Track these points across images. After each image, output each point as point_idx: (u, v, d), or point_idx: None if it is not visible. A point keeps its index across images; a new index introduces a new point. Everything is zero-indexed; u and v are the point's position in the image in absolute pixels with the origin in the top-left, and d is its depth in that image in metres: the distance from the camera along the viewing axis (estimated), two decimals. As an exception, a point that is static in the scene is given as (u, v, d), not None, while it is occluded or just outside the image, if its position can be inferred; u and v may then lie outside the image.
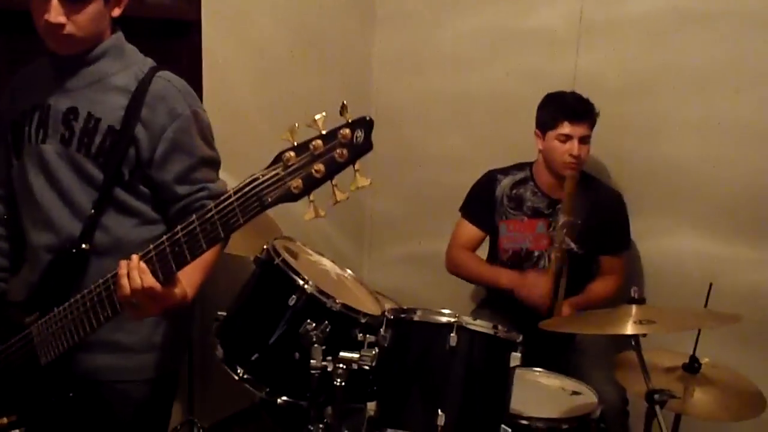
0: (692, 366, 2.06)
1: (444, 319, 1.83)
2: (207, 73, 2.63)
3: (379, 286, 2.55)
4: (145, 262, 1.33)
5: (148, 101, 1.55)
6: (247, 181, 1.20)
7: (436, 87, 3.27)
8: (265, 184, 1.19)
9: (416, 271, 3.42)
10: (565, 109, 2.53)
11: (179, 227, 1.28)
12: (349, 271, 2.42)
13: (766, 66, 2.47)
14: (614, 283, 2.66)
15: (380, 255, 3.61)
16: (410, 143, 3.38)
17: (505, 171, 2.75)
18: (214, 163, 1.68)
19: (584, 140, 2.52)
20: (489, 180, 2.75)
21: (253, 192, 1.19)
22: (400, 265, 3.52)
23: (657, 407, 1.84)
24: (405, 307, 1.93)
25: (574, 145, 2.50)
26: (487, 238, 2.79)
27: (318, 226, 3.26)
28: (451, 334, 1.79)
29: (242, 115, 2.80)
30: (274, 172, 1.19)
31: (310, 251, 2.40)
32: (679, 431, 2.22)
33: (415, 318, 1.88)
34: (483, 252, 2.83)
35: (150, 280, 1.32)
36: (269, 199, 1.19)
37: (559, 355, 2.51)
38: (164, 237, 1.31)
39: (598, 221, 2.59)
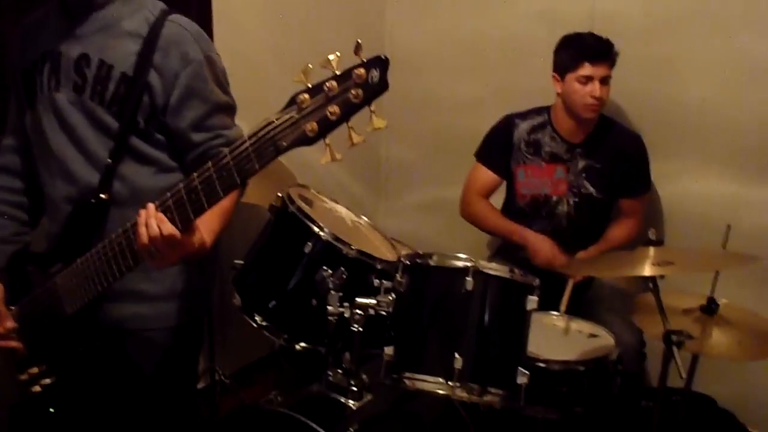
0: (710, 307, 2.05)
1: (460, 264, 1.83)
2: (217, 16, 2.58)
3: (395, 233, 2.55)
4: (163, 210, 1.32)
5: (161, 46, 1.53)
6: (262, 125, 1.18)
7: (450, 29, 3.21)
8: (280, 128, 1.17)
9: (432, 217, 3.41)
10: (584, 49, 2.47)
11: (195, 174, 1.28)
12: (364, 218, 2.42)
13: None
14: (634, 225, 2.64)
15: (395, 201, 3.60)
16: (425, 87, 3.34)
17: (523, 115, 2.71)
18: (229, 110, 1.66)
19: (605, 81, 2.48)
20: (507, 124, 2.71)
21: (268, 136, 1.18)
22: (415, 212, 3.51)
23: (674, 348, 1.84)
24: (421, 253, 1.93)
25: (595, 87, 2.46)
26: (504, 183, 2.77)
27: (333, 174, 3.25)
28: (467, 278, 1.79)
29: (255, 60, 2.76)
30: (288, 116, 1.17)
31: (325, 198, 2.39)
32: (696, 372, 2.23)
33: (431, 263, 1.88)
34: (499, 197, 2.82)
35: (168, 228, 1.32)
36: (284, 144, 1.17)
37: (577, 299, 2.51)
38: (180, 185, 1.30)
39: (617, 165, 2.56)
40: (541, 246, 2.54)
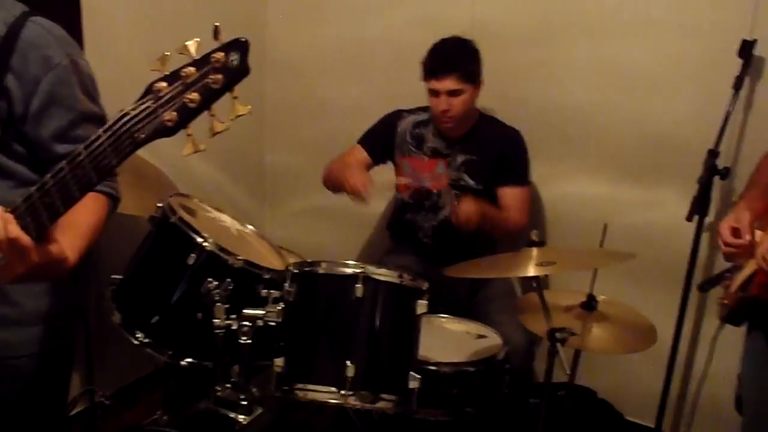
0: (590, 304, 2.14)
1: (349, 271, 1.81)
2: (87, 20, 2.44)
3: (282, 241, 2.50)
4: (16, 217, 1.20)
5: (20, 48, 1.40)
6: (117, 117, 1.10)
7: (334, 34, 3.20)
8: (136, 119, 1.09)
9: (319, 223, 3.38)
10: (430, 64, 2.53)
11: (48, 175, 1.16)
12: (250, 227, 2.36)
13: (655, 12, 2.53)
14: (518, 217, 2.63)
15: (282, 209, 3.54)
16: (308, 92, 3.30)
17: (412, 111, 2.77)
18: (98, 120, 1.53)
19: (454, 93, 2.50)
20: (394, 116, 2.77)
21: (125, 129, 1.10)
22: (302, 219, 3.47)
23: (558, 344, 1.91)
24: (309, 261, 1.90)
25: (440, 101, 2.51)
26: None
27: (216, 181, 3.16)
28: (357, 285, 1.78)
29: (128, 65, 2.62)
30: (144, 106, 1.09)
31: (209, 208, 2.31)
32: (578, 366, 2.32)
33: (320, 271, 1.85)
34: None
35: (15, 231, 1.18)
36: (142, 135, 1.10)
37: (465, 300, 2.56)
38: (33, 188, 1.18)
39: (495, 155, 2.62)
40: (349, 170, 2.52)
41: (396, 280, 1.84)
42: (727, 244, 1.86)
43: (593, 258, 2.11)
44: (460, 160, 2.62)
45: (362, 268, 1.81)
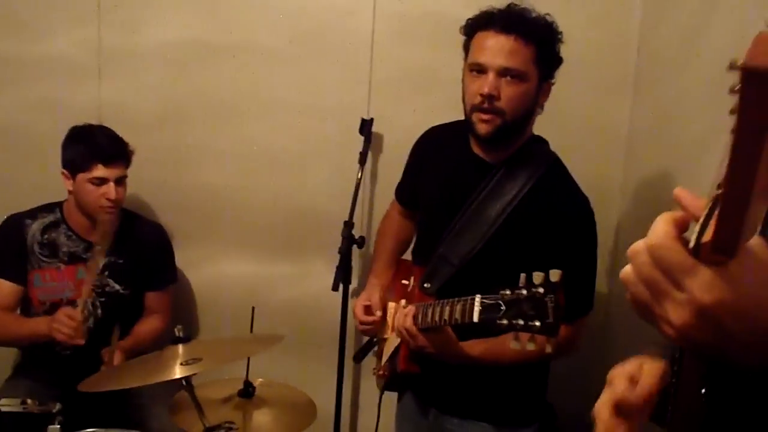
0: (247, 390, 2.08)
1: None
2: None
3: None
4: None
5: None
6: None
7: None
8: None
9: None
10: (97, 150, 2.30)
11: None
12: None
13: (288, 95, 2.63)
14: (161, 320, 2.55)
15: None
16: None
17: (32, 214, 2.44)
18: None
19: (120, 181, 2.35)
20: (14, 226, 2.41)
21: None
22: None
23: (216, 444, 1.79)
24: None
25: (110, 189, 2.31)
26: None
27: None
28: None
29: None
30: None
31: None
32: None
33: None
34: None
35: None
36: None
37: (115, 410, 2.31)
38: None
39: (140, 258, 2.46)
40: (62, 317, 2.20)
41: (19, 409, 1.59)
42: (362, 323, 1.96)
43: (244, 346, 2.03)
44: (103, 264, 2.40)
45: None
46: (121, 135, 2.41)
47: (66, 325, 2.14)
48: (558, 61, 1.77)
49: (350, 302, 2.52)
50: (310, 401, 2.14)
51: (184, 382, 1.77)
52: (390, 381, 2.01)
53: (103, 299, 2.41)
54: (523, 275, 1.36)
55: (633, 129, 2.46)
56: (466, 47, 1.80)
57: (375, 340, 2.14)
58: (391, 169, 2.42)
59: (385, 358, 1.97)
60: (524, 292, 1.35)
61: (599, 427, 0.79)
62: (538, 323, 1.33)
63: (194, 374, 1.74)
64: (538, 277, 1.33)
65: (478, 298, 1.50)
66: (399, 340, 1.85)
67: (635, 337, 2.01)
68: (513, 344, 1.38)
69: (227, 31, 2.63)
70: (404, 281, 1.99)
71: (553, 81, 1.79)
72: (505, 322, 1.38)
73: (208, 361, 1.73)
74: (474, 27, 1.77)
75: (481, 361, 1.75)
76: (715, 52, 1.81)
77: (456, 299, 1.58)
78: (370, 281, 2.10)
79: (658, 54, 2.32)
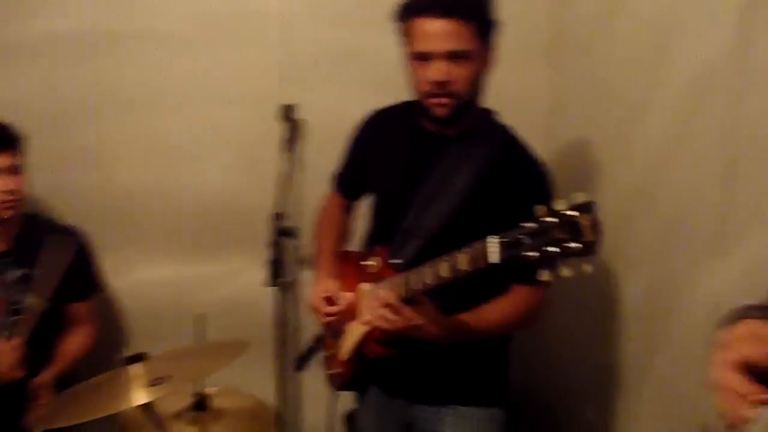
0: (201, 403, 1.96)
1: None
2: None
3: None
4: None
5: None
6: None
7: None
8: None
9: None
10: None
11: None
12: None
13: (188, 83, 2.48)
14: (89, 333, 2.36)
15: None
16: None
17: None
18: None
19: (13, 170, 2.12)
20: None
21: None
22: None
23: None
24: None
25: (2, 180, 2.10)
26: None
27: None
28: None
29: None
30: None
31: None
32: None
33: None
34: None
35: None
36: None
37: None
38: None
39: (56, 267, 2.24)
40: None
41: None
42: (328, 315, 1.87)
43: (207, 358, 1.82)
44: (15, 277, 2.16)
45: None
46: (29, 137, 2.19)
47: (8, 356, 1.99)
48: (495, 25, 1.74)
49: (286, 297, 2.43)
50: (261, 402, 2.06)
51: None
52: (351, 378, 1.94)
53: (21, 317, 2.16)
54: (541, 207, 1.25)
55: (554, 101, 2.51)
56: (404, 33, 1.74)
57: (317, 338, 2.07)
58: (317, 155, 2.34)
59: (348, 352, 1.89)
60: (553, 219, 1.23)
61: (726, 393, 0.74)
62: (578, 244, 1.20)
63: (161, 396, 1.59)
64: (561, 203, 1.23)
65: (491, 239, 1.36)
66: (363, 328, 1.78)
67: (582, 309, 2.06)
68: (545, 275, 1.25)
69: (127, 17, 2.43)
70: (362, 263, 1.90)
71: (494, 46, 1.76)
72: (535, 254, 1.25)
73: (177, 380, 1.59)
74: (409, 12, 1.71)
75: (469, 328, 1.70)
76: (635, 20, 1.86)
77: (455, 252, 1.48)
78: (320, 276, 2.02)
79: (573, 23, 2.36)
